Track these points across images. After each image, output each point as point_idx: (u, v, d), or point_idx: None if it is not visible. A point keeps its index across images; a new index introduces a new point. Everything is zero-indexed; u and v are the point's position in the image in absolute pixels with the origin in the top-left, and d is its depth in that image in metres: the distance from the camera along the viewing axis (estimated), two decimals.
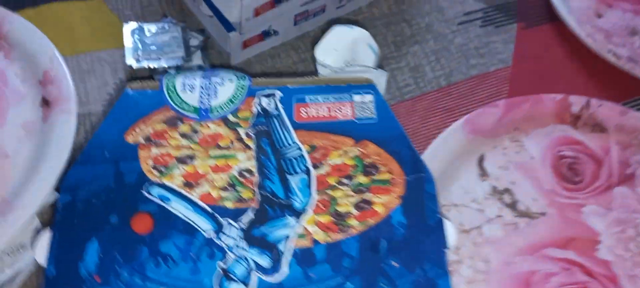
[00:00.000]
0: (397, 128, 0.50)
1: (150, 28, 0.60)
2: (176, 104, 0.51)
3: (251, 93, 0.52)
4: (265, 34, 0.59)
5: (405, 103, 0.59)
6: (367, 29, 0.57)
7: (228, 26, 0.56)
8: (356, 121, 0.50)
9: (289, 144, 0.49)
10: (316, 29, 0.62)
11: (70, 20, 0.62)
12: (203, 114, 0.50)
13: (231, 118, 0.50)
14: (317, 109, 0.51)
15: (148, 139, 0.49)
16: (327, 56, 0.55)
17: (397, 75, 0.60)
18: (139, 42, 0.59)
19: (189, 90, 0.51)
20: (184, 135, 0.50)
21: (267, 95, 0.52)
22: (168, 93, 0.51)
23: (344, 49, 0.55)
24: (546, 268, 0.49)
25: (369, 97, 0.52)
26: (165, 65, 0.58)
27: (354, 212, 0.46)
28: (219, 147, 0.49)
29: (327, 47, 0.55)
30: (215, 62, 0.60)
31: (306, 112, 0.51)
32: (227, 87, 0.52)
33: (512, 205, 0.52)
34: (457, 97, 0.59)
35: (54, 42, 0.56)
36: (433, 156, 0.53)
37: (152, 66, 0.58)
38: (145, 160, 0.48)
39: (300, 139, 0.49)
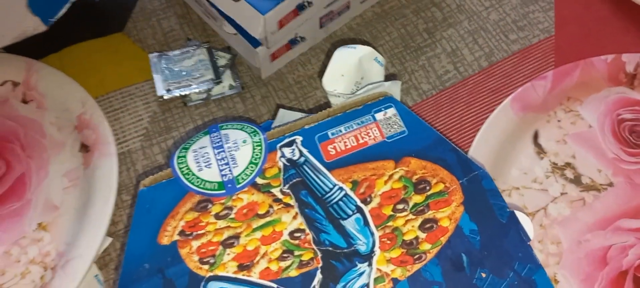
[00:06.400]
0: (432, 133, 0.47)
1: (176, 54, 0.58)
2: (198, 187, 0.46)
3: (271, 148, 0.47)
4: (293, 42, 0.57)
5: (447, 91, 0.56)
6: (370, 44, 0.52)
7: (254, 42, 0.55)
8: (388, 140, 0.47)
9: (330, 188, 0.45)
10: (343, 27, 0.60)
11: (94, 59, 0.61)
12: (230, 187, 0.46)
13: (260, 181, 0.46)
14: (344, 141, 0.47)
15: (183, 234, 0.45)
16: (336, 84, 0.51)
17: (435, 63, 0.58)
18: (167, 70, 0.58)
19: (206, 166, 0.47)
20: (218, 216, 0.45)
21: (288, 145, 0.47)
22: (185, 178, 0.46)
23: (350, 71, 0.51)
24: (621, 241, 0.46)
25: (391, 111, 0.48)
26: (197, 90, 0.57)
27: (422, 235, 0.43)
28: (259, 216, 0.45)
29: (333, 75, 0.51)
30: (246, 79, 0.58)
31: (334, 148, 0.47)
32: (243, 151, 0.47)
33: (576, 180, 0.49)
34: (500, 76, 0.56)
35: (82, 84, 0.56)
36: (484, 142, 0.51)
37: (183, 94, 0.57)
38: (190, 257, 0.44)
39: (338, 178, 0.45)
